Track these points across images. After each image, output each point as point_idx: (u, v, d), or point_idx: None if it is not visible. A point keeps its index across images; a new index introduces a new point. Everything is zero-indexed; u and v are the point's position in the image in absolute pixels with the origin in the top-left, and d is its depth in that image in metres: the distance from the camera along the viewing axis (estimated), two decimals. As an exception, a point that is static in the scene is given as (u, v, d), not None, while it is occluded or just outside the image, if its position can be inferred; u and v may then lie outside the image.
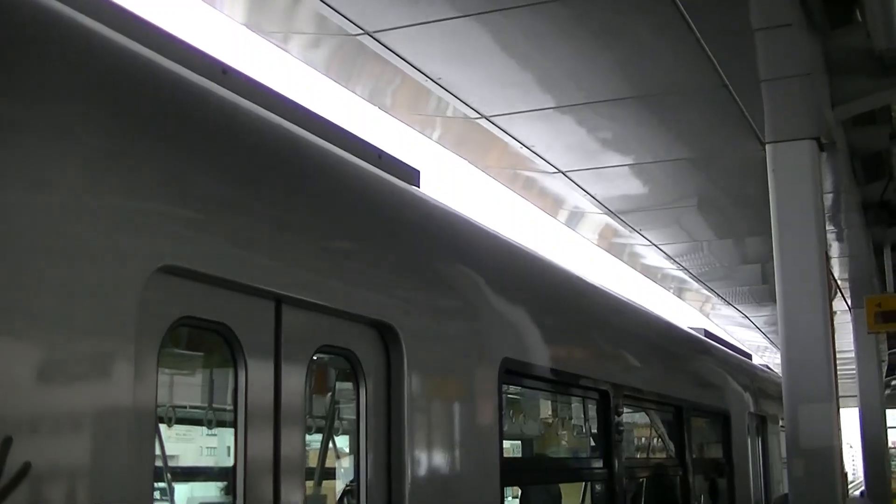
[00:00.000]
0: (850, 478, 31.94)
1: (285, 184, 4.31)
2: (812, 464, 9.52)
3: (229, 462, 3.94)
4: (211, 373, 5.02)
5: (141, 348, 3.31)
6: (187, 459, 5.92)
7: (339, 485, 5.26)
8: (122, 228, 3.31)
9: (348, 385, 4.78)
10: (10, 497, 2.82)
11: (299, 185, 4.44)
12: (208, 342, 4.35)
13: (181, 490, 5.54)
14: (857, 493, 23.82)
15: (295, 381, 4.15)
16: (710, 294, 21.19)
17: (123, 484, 3.21)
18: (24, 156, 2.97)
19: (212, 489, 5.66)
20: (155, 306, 3.41)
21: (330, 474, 5.38)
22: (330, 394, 5.19)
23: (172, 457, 4.90)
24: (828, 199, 13.31)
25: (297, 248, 4.24)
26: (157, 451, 3.69)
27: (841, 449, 9.96)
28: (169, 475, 4.41)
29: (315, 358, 4.39)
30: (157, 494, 3.70)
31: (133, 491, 3.26)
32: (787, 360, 9.78)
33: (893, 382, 34.54)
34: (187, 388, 5.01)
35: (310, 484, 4.97)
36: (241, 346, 3.88)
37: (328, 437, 5.31)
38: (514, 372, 5.92)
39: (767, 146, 10.42)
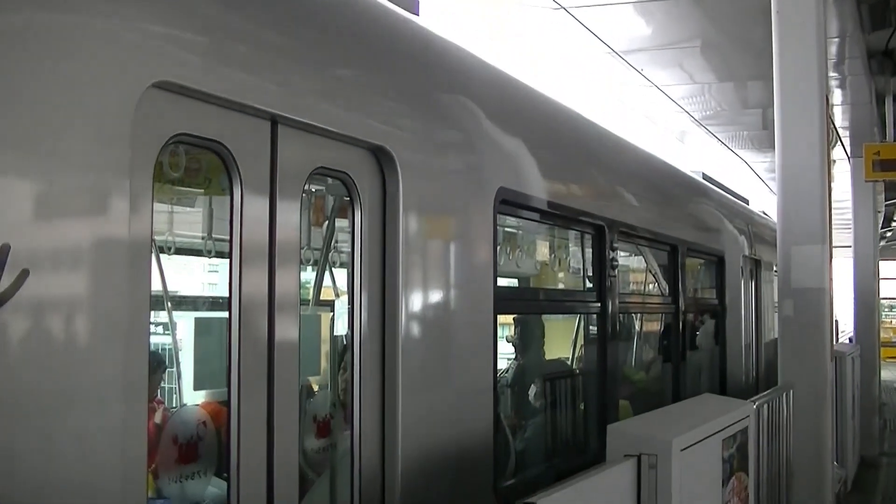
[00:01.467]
0: (841, 327, 32.29)
1: (282, 5, 4.29)
2: (802, 304, 9.59)
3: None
4: (208, 197, 5.07)
5: (136, 164, 3.33)
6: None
7: (335, 308, 5.34)
8: (114, 43, 3.30)
9: (344, 209, 4.82)
10: (8, 303, 2.88)
11: (296, 7, 4.42)
12: (203, 164, 4.38)
13: (175, 313, 5.62)
14: (846, 339, 24.09)
15: (290, 201, 4.18)
16: (711, 139, 21.13)
17: (115, 307, 3.27)
18: None
19: (206, 313, 5.74)
20: (149, 122, 3.42)
21: (326, 303, 5.46)
22: (325, 219, 5.24)
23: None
24: (832, 45, 13.16)
25: (292, 69, 4.24)
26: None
27: (831, 292, 10.03)
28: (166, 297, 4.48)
29: (311, 179, 4.41)
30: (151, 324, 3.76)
31: (126, 315, 3.32)
32: (783, 202, 9.79)
33: (889, 234, 34.74)
34: (183, 207, 5.07)
35: (305, 308, 5.05)
36: (235, 164, 3.90)
37: (324, 260, 5.37)
38: (509, 202, 5.95)
39: (772, -13, 10.25)
